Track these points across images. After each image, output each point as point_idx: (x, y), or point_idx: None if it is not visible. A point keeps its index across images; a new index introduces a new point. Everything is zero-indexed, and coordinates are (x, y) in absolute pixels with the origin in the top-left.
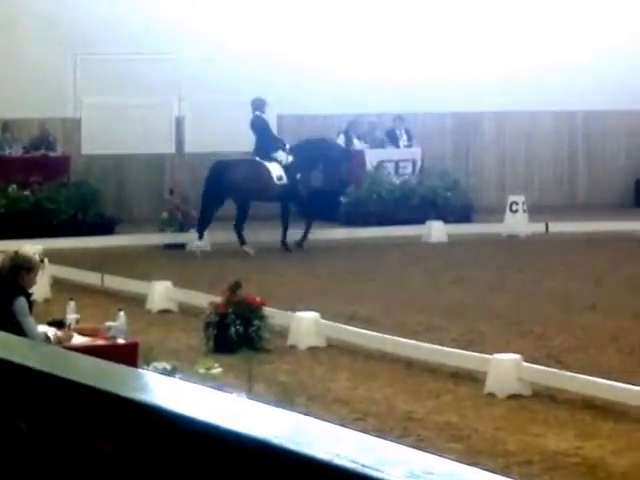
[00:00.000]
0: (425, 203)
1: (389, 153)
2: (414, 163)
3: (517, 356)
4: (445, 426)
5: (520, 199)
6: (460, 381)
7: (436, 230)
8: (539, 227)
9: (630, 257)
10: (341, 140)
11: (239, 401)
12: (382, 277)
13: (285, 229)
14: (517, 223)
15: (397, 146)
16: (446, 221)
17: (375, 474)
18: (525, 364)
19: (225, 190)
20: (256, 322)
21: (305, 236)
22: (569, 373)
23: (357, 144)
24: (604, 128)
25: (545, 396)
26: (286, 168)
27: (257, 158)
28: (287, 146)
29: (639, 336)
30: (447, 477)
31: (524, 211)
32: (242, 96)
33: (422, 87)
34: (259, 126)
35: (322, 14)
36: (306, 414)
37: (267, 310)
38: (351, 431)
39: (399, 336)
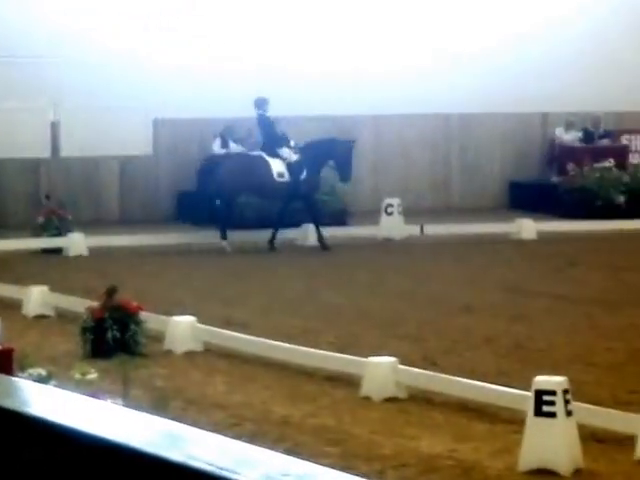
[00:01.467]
0: (301, 207)
1: None
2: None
3: (393, 359)
4: (321, 430)
5: (395, 201)
6: (336, 384)
7: (312, 233)
8: (414, 230)
9: (504, 259)
10: (217, 144)
11: (104, 406)
12: (258, 280)
13: (277, 228)
14: (392, 226)
15: None
16: (322, 224)
17: (231, 476)
18: (401, 367)
19: (214, 184)
20: (133, 327)
21: (320, 236)
22: (445, 376)
23: (233, 147)
24: (479, 131)
25: (421, 399)
26: (290, 166)
27: (263, 154)
28: (292, 143)
29: (514, 338)
30: (302, 478)
31: (399, 213)
32: (118, 101)
33: (298, 91)
34: (263, 124)
35: (199, 17)
36: (182, 419)
37: (144, 315)
38: (209, 433)
39: (275, 340)
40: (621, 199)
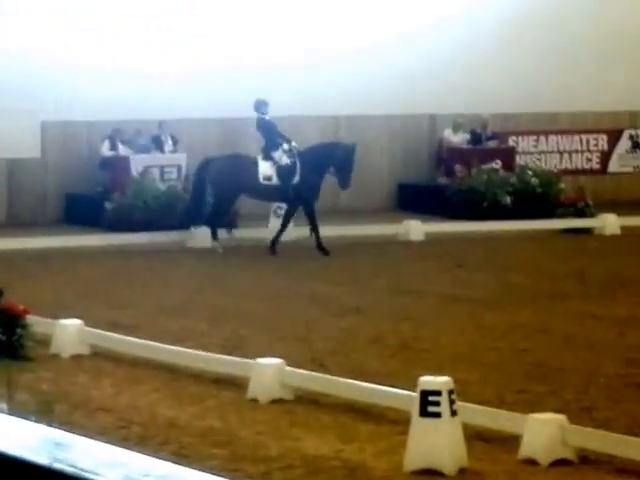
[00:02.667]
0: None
1: (154, 158)
2: (179, 168)
3: (279, 361)
4: (208, 432)
5: (284, 204)
6: (223, 386)
7: (200, 236)
8: (304, 231)
9: (392, 260)
10: (106, 146)
11: None
12: (146, 283)
13: (280, 232)
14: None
15: (162, 151)
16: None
17: (93, 477)
18: (288, 368)
19: (208, 184)
20: (19, 330)
21: (319, 241)
22: (331, 377)
23: (122, 150)
24: (367, 132)
25: (307, 400)
26: (280, 169)
27: (258, 157)
28: (292, 146)
29: (400, 338)
30: (163, 479)
31: None
32: (4, 103)
33: (185, 94)
34: (262, 128)
35: (86, 18)
36: (68, 423)
37: (30, 318)
38: (75, 436)
39: (163, 342)
40: (508, 200)
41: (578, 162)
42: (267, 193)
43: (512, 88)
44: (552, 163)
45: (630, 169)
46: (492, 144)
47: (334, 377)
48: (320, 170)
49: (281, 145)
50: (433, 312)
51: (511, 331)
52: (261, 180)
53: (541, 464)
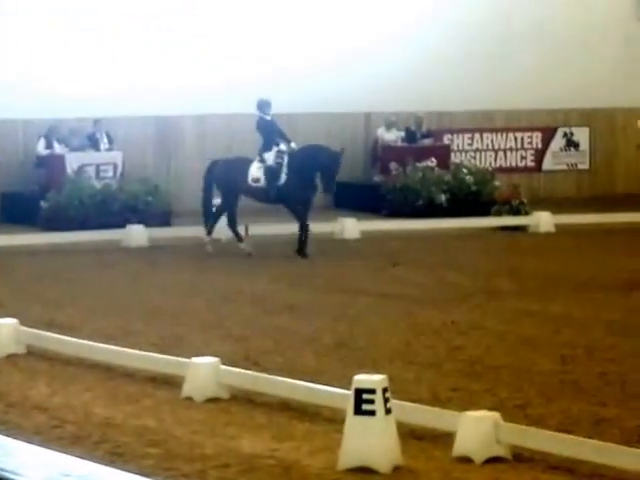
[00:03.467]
0: (126, 208)
1: (90, 157)
2: (115, 167)
3: (215, 359)
4: (143, 431)
5: (219, 202)
6: (159, 385)
7: (136, 234)
8: (239, 230)
9: (327, 258)
10: (41, 145)
11: None
12: (81, 282)
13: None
14: (217, 227)
15: (98, 149)
16: (147, 225)
17: (13, 477)
18: (223, 367)
19: (214, 186)
20: None
21: (301, 242)
22: (266, 375)
23: (57, 148)
24: (305, 131)
25: (243, 399)
26: (267, 170)
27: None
28: (292, 144)
29: (336, 337)
30: (83, 478)
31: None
32: None
33: (122, 92)
34: (261, 128)
35: (39, 19)
36: (3, 422)
37: None
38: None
39: (98, 341)
40: (442, 198)
41: (513, 160)
42: (256, 194)
43: (447, 86)
44: (487, 161)
45: (564, 167)
46: (427, 142)
47: (270, 376)
48: (303, 172)
49: (277, 146)
50: (368, 310)
51: (446, 329)
52: (249, 182)
53: (475, 462)
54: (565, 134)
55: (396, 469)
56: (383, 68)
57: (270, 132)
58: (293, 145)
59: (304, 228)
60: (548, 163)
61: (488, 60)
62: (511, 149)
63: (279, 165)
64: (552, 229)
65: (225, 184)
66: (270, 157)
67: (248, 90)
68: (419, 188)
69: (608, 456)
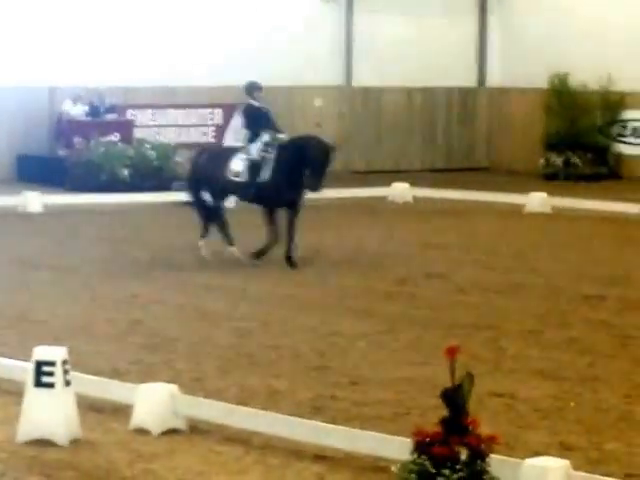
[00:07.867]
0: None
1: None
2: None
3: None
4: None
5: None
6: None
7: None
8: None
9: (10, 232)
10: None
11: None
12: None
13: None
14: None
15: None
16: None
17: None
18: None
19: (201, 179)
20: None
21: (289, 250)
22: None
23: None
24: None
25: None
26: (253, 164)
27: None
28: (281, 135)
29: (16, 309)
30: None
31: None
32: None
33: None
34: (246, 115)
35: None
36: None
37: None
38: None
39: None
40: (125, 173)
41: (195, 136)
42: (235, 190)
43: (131, 62)
44: (170, 137)
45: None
46: (111, 117)
47: None
48: (291, 169)
49: (258, 136)
50: (49, 283)
51: (126, 302)
52: (228, 175)
53: (152, 433)
54: None
55: (74, 441)
56: (69, 43)
57: (256, 120)
58: (283, 136)
59: (291, 235)
60: (229, 139)
61: (171, 38)
62: (193, 125)
63: (263, 159)
64: None
65: (208, 177)
66: (254, 149)
67: None
68: (103, 162)
69: (281, 427)
